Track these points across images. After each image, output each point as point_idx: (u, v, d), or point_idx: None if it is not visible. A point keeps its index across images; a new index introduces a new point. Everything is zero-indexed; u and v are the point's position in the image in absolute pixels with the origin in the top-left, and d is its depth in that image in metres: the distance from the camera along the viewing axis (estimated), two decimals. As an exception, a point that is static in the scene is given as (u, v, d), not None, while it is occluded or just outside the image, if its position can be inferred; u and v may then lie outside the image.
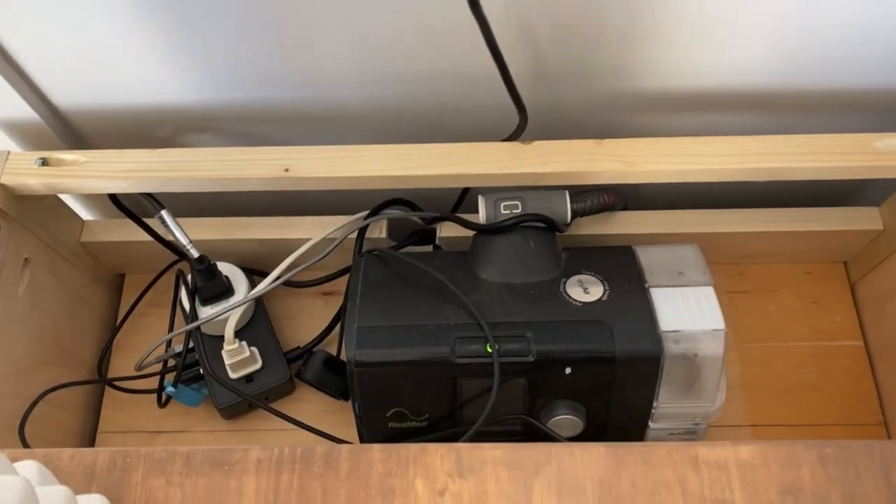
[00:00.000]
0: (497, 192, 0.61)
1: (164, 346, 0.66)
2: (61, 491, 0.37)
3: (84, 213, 0.74)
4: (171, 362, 0.67)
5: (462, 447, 0.44)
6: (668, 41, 0.58)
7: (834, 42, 0.58)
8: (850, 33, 0.57)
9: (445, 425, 0.58)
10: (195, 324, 0.63)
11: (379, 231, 0.67)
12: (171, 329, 0.69)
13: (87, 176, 0.58)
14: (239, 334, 0.65)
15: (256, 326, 0.68)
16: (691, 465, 0.43)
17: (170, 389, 0.65)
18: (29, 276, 0.61)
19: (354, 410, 0.58)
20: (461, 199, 0.70)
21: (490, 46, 0.51)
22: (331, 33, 0.57)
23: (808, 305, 0.71)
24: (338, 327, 0.69)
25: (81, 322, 0.69)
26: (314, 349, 0.68)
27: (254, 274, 0.70)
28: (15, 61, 0.60)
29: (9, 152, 0.59)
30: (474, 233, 0.61)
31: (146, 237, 0.67)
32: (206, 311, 0.65)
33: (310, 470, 0.44)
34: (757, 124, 0.66)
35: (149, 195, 0.61)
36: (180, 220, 0.62)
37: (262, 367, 0.66)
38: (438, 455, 0.44)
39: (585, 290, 0.57)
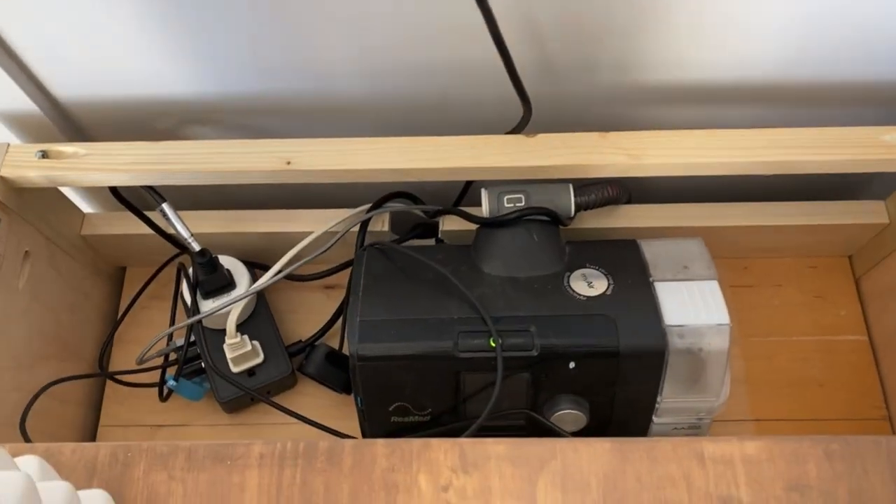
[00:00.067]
0: (500, 185, 0.61)
1: (165, 339, 0.66)
2: (62, 486, 0.37)
3: (85, 206, 0.74)
4: (173, 356, 0.67)
5: (466, 442, 0.44)
6: (673, 34, 0.57)
7: (840, 34, 0.57)
8: (856, 25, 0.56)
9: (448, 420, 0.58)
10: (197, 317, 0.63)
11: (381, 224, 0.67)
12: (172, 322, 0.69)
13: (87, 168, 0.58)
14: (241, 328, 0.65)
15: (258, 320, 0.68)
16: (697, 461, 0.43)
17: (171, 383, 0.64)
18: (29, 270, 0.61)
19: (357, 404, 0.58)
20: (464, 192, 0.69)
21: (495, 39, 0.51)
22: (333, 25, 0.57)
23: (812, 300, 0.71)
24: (340, 321, 0.69)
25: (82, 315, 0.69)
26: (316, 343, 0.68)
27: (255, 267, 0.70)
28: (14, 52, 0.59)
29: (8, 145, 0.58)
30: (477, 226, 0.61)
31: (147, 230, 0.67)
32: (207, 305, 0.65)
33: (313, 465, 0.44)
34: (762, 117, 0.66)
35: (150, 188, 0.61)
36: (181, 212, 0.62)
37: (264, 361, 0.66)
38: (442, 450, 0.44)
39: (589, 284, 0.56)
